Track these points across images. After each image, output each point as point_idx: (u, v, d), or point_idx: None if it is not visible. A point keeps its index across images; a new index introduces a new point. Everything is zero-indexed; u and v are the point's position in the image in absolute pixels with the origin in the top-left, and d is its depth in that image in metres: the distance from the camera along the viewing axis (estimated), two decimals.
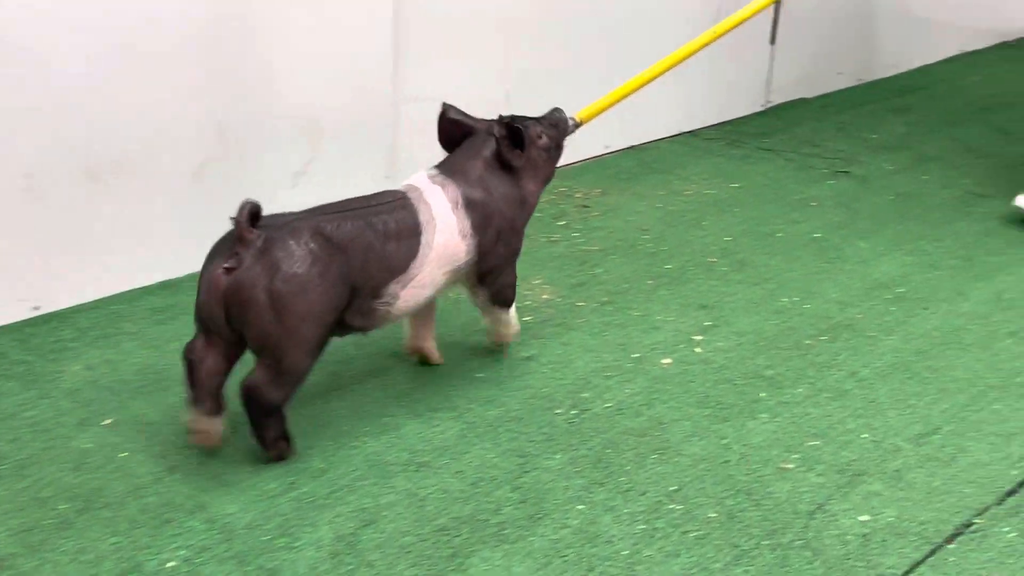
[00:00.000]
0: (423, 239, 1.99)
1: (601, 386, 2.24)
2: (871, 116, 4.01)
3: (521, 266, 2.26)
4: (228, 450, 1.99)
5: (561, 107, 2.31)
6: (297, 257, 1.83)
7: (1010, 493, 1.92)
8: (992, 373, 2.30)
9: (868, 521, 1.85)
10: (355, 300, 1.93)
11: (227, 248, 1.84)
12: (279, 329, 1.83)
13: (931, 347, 2.40)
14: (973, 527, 1.84)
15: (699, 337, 2.44)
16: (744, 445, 2.05)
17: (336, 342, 2.02)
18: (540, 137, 2.20)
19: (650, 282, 2.70)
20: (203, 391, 1.89)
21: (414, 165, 3.03)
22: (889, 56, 4.50)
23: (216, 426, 1.93)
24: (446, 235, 2.03)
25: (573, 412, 2.15)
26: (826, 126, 3.89)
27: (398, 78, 2.95)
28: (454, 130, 2.18)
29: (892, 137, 3.79)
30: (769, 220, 3.08)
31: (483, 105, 3.17)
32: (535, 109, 3.28)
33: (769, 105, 4.07)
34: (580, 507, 1.87)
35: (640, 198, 3.23)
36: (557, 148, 2.25)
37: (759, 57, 3.98)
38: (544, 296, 2.60)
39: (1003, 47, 5.08)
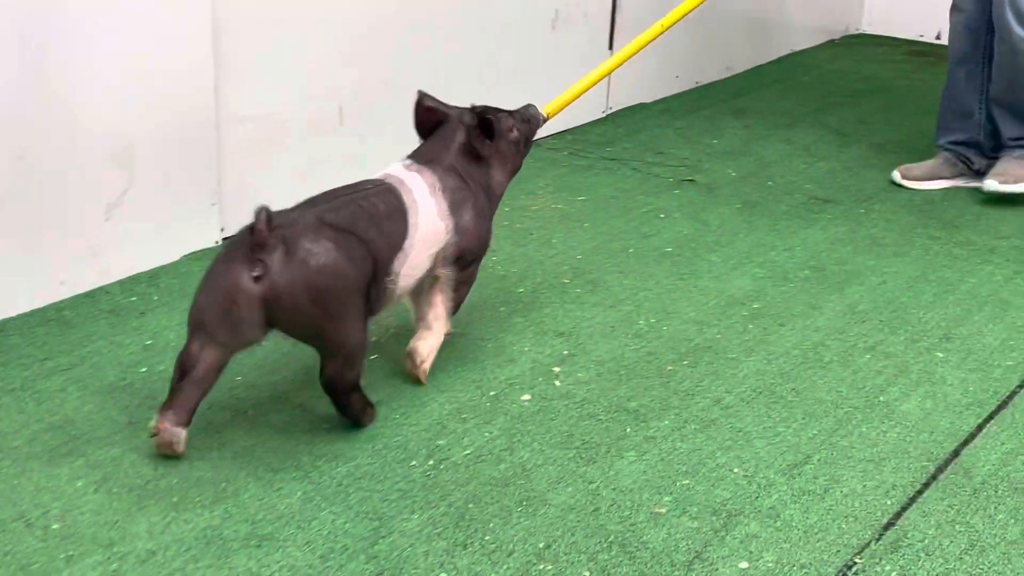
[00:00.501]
0: (410, 220, 2.06)
1: (458, 431, 2.08)
2: (710, 120, 3.98)
3: None
4: (36, 542, 1.75)
5: (534, 103, 2.40)
6: (322, 247, 1.88)
7: (888, 526, 1.86)
8: (855, 393, 2.25)
9: (747, 569, 1.75)
10: (376, 277, 1.99)
11: (243, 256, 1.85)
12: (329, 319, 1.90)
13: (792, 367, 2.34)
14: (855, 568, 1.76)
15: (558, 368, 2.31)
16: (613, 489, 1.93)
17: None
18: (512, 130, 2.29)
19: (502, 309, 2.56)
20: (183, 401, 1.91)
21: (243, 189, 2.84)
22: (722, 58, 4.49)
23: (181, 437, 1.93)
24: (428, 216, 2.10)
25: (430, 463, 1.99)
26: (667, 132, 3.83)
27: (220, 96, 2.72)
28: (429, 117, 2.25)
29: (733, 142, 3.75)
30: (619, 235, 2.98)
31: (315, 125, 3.00)
32: (370, 124, 3.13)
33: (610, 111, 3.99)
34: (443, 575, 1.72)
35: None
36: (527, 142, 2.35)
37: (598, 62, 3.88)
38: (391, 331, 2.43)
39: (830, 46, 5.15)
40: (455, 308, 2.26)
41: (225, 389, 2.15)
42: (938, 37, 5.26)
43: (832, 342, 2.45)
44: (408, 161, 2.19)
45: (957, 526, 1.86)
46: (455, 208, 2.16)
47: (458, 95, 3.44)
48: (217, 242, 2.79)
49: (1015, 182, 3.26)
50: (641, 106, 4.08)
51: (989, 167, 3.33)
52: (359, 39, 3.04)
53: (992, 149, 3.36)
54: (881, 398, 2.23)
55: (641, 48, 2.77)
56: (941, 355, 2.40)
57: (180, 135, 2.65)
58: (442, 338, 2.23)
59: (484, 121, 2.20)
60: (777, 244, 2.95)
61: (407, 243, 2.06)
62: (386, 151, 3.17)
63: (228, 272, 1.87)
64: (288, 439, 2.03)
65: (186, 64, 2.62)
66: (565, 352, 2.38)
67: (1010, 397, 2.24)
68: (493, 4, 3.39)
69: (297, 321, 1.90)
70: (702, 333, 2.47)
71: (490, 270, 2.73)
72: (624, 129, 3.85)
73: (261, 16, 2.78)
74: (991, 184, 3.25)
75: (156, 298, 2.54)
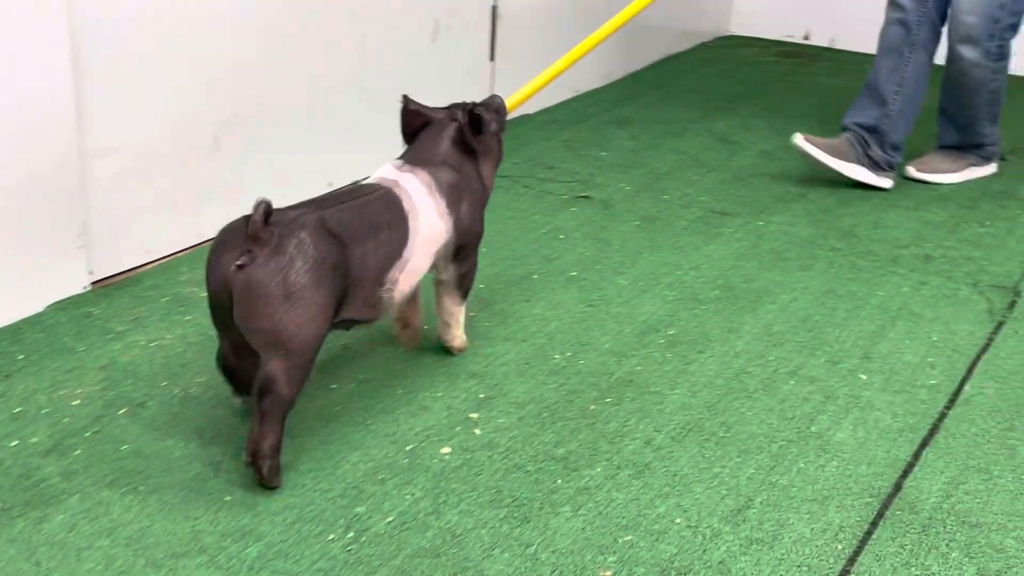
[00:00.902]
0: (410, 225, 2.08)
1: (377, 494, 1.91)
2: (596, 131, 3.88)
3: None
4: None
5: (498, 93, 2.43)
6: (309, 252, 1.86)
7: (843, 574, 1.77)
8: (785, 424, 2.16)
9: None
10: (360, 291, 1.98)
11: (233, 244, 1.85)
12: (292, 324, 1.84)
13: (718, 398, 2.24)
14: None
15: (476, 414, 2.15)
16: (552, 552, 1.79)
17: None
18: (491, 123, 2.32)
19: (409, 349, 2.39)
20: (241, 383, 1.99)
21: (112, 228, 2.59)
22: (600, 64, 4.40)
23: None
24: (428, 218, 2.12)
25: (350, 535, 1.81)
26: (555, 145, 3.72)
27: (83, 127, 2.47)
28: (414, 121, 2.28)
29: (622, 154, 3.66)
30: (521, 259, 2.84)
31: (188, 154, 2.77)
32: (248, 149, 2.91)
33: None
34: None
35: None
36: (502, 132, 2.38)
37: (480, 75, 3.74)
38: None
39: (703, 48, 5.13)
40: (464, 298, 2.32)
41: (111, 460, 1.93)
42: (806, 37, 5.30)
43: (754, 368, 2.36)
44: (399, 163, 2.20)
45: (912, 569, 1.78)
46: (452, 204, 2.19)
47: (339, 113, 3.27)
48: (85, 287, 2.54)
49: (931, 172, 3.47)
50: (525, 118, 3.95)
51: (884, 162, 3.39)
52: (230, 60, 2.82)
53: (891, 146, 3.40)
54: (813, 428, 2.15)
55: (599, 42, 2.88)
56: (864, 377, 2.34)
57: (39, 171, 2.39)
58: (463, 325, 2.35)
59: (475, 117, 2.25)
60: (682, 263, 2.86)
61: (407, 250, 2.07)
62: (266, 177, 2.98)
63: (218, 261, 1.87)
64: (187, 515, 1.83)
65: (42, 94, 2.36)
66: (481, 395, 2.22)
67: (940, 420, 2.19)
68: (370, 18, 3.21)
69: (258, 315, 1.84)
70: (621, 365, 2.35)
71: None
72: (511, 143, 3.69)
73: (124, 39, 2.53)
74: (910, 170, 3.47)
75: (21, 357, 2.28)
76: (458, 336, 2.34)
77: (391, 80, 3.33)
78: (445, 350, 2.35)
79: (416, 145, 2.25)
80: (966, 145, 3.51)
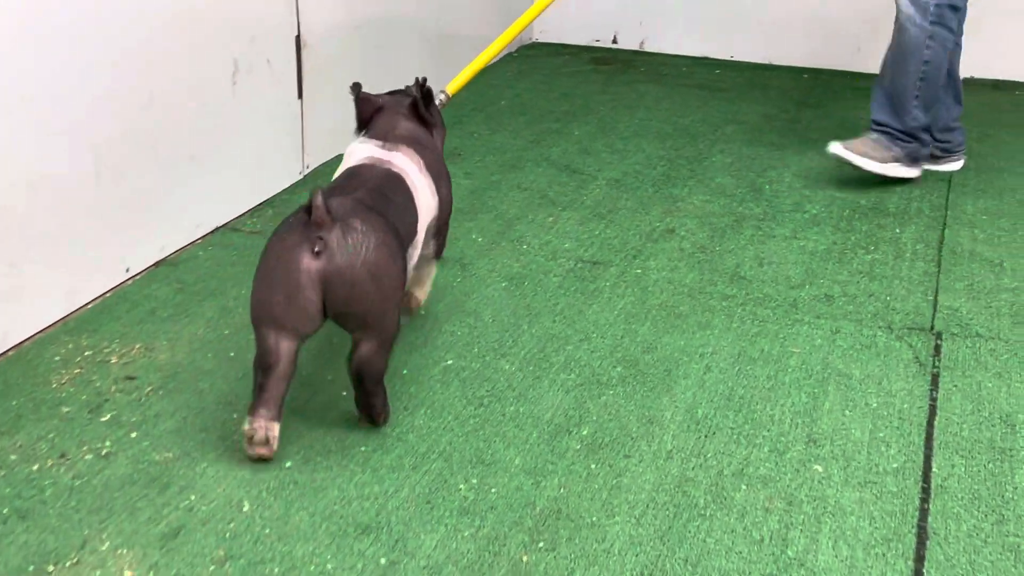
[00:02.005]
0: (416, 203, 2.14)
1: None
2: None
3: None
4: None
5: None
6: (376, 230, 1.91)
7: None
8: (756, 551, 1.78)
9: None
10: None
11: (299, 236, 1.86)
12: (381, 299, 1.92)
13: (668, 524, 1.85)
14: None
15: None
16: None
17: None
18: (439, 94, 2.50)
19: (267, 490, 1.88)
20: (273, 397, 1.91)
21: None
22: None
23: (276, 431, 1.93)
24: (424, 196, 2.19)
25: None
26: None
27: None
28: (366, 107, 2.32)
29: (461, 196, 3.22)
30: None
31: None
32: (12, 247, 2.30)
33: (308, 171, 3.33)
34: None
35: (204, 345, 2.36)
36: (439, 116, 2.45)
37: (288, 116, 3.21)
38: (128, 574, 1.69)
39: (511, 59, 4.75)
40: (438, 258, 2.43)
41: None
42: (615, 41, 5.01)
43: (694, 472, 1.99)
44: (378, 142, 2.21)
45: None
46: (437, 182, 2.27)
47: (129, 184, 2.68)
48: None
49: (857, 153, 3.31)
50: (340, 159, 3.45)
51: (938, 150, 3.42)
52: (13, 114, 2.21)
53: (940, 129, 3.40)
54: (790, 552, 1.79)
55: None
56: (820, 468, 2.01)
57: None
58: (429, 286, 2.44)
59: (427, 91, 2.33)
60: (569, 334, 2.46)
61: (417, 225, 2.14)
62: (39, 272, 2.38)
63: (288, 254, 1.87)
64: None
65: None
66: (383, 560, 1.75)
67: (922, 519, 1.88)
68: (159, 70, 2.63)
69: (353, 297, 1.89)
70: (541, 489, 1.92)
71: (237, 429, 2.03)
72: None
73: None
74: (835, 146, 3.32)
75: None
76: (422, 294, 2.42)
77: (187, 138, 2.77)
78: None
79: (379, 124, 2.28)
80: (894, 133, 3.30)
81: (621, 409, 2.17)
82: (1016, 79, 4.53)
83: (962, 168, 3.52)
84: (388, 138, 2.22)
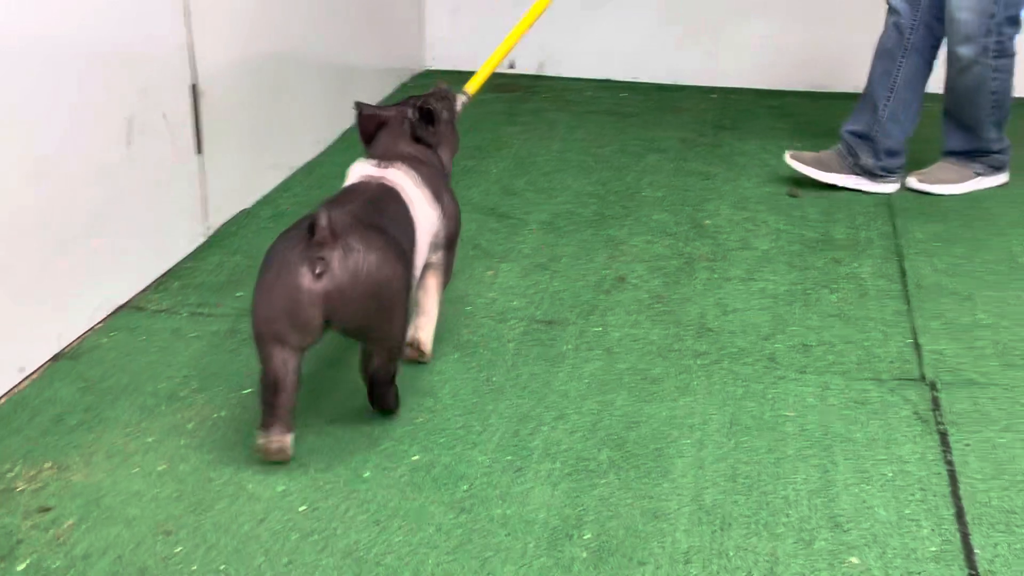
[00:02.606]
0: (412, 215, 2.16)
1: None
2: None
3: None
4: None
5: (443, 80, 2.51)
6: (374, 246, 1.93)
7: None
8: None
9: None
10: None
11: (300, 256, 1.89)
12: (384, 312, 1.97)
13: None
14: None
15: None
16: None
17: None
18: (442, 112, 2.40)
19: None
20: (283, 412, 1.95)
21: None
22: (308, 132, 3.62)
23: (289, 441, 1.97)
24: (422, 208, 2.21)
25: None
26: None
27: None
28: (369, 124, 2.35)
29: None
30: (341, 444, 2.06)
31: None
32: None
33: (212, 232, 2.99)
34: None
35: (126, 459, 2.02)
36: (455, 118, 2.48)
37: (188, 173, 2.87)
38: None
39: (405, 91, 4.47)
40: (445, 285, 2.39)
41: None
42: (512, 66, 4.77)
43: None
44: (374, 161, 2.25)
45: None
46: (437, 195, 2.27)
47: (18, 274, 2.32)
48: None
49: (933, 183, 3.34)
50: (246, 215, 3.12)
51: (878, 169, 3.36)
52: None
53: (886, 152, 3.35)
54: None
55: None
56: (856, 561, 1.79)
57: None
58: (436, 317, 2.37)
59: (426, 111, 2.33)
60: (541, 412, 2.20)
61: (417, 236, 2.16)
62: None
63: (289, 273, 1.89)
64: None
65: None
66: None
67: None
68: (42, 140, 2.27)
69: (355, 315, 1.94)
70: None
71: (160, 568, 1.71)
72: (242, 256, 2.88)
73: None
74: (911, 182, 3.37)
75: None
76: (429, 340, 2.35)
77: (80, 209, 2.41)
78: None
79: (379, 143, 2.32)
80: (972, 152, 3.35)
81: (621, 503, 1.93)
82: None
83: (898, 189, 3.41)
84: (385, 157, 2.26)
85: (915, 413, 2.21)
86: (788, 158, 3.41)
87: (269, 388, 1.93)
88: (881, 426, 2.17)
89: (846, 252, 2.97)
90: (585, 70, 4.70)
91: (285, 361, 1.92)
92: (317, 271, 1.87)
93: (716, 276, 2.82)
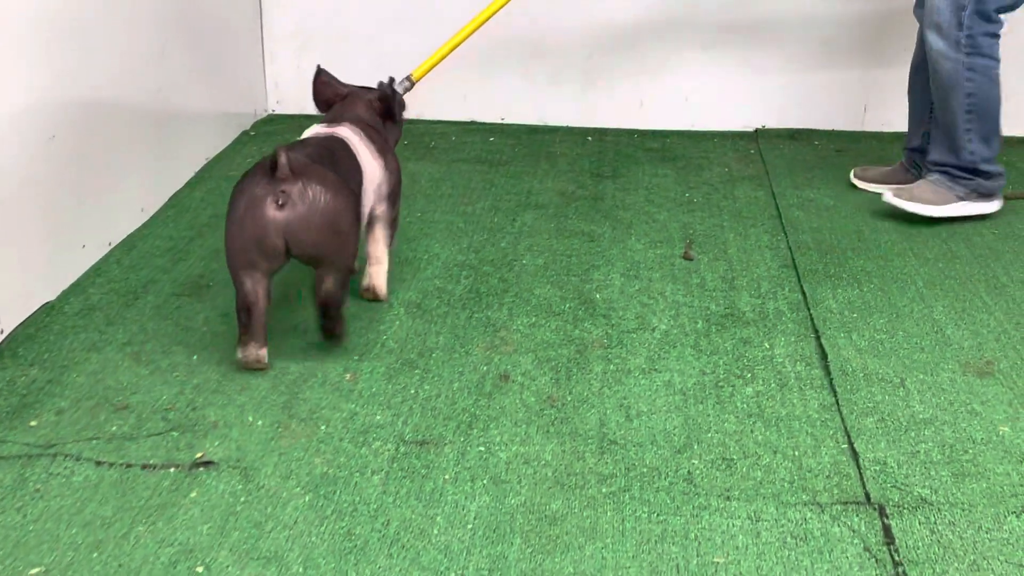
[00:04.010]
0: (360, 162, 2.46)
1: None
2: (161, 313, 2.61)
3: None
4: None
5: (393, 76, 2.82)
6: (330, 182, 2.22)
7: None
8: None
9: None
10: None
11: (264, 190, 2.17)
12: (338, 241, 2.25)
13: None
14: None
15: None
16: None
17: None
18: (400, 105, 2.81)
19: None
20: (257, 328, 2.27)
21: None
22: (126, 194, 3.10)
23: (265, 353, 2.31)
24: (367, 159, 2.50)
25: None
26: (113, 358, 2.41)
27: None
28: (325, 90, 2.71)
29: (215, 355, 2.44)
30: None
31: None
32: None
33: (3, 337, 2.45)
34: None
35: None
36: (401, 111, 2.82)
37: None
38: None
39: (247, 140, 3.96)
40: (392, 238, 2.67)
41: None
42: None
43: None
44: (325, 124, 2.54)
45: None
46: (381, 152, 2.57)
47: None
48: None
49: (909, 200, 3.17)
50: (48, 311, 2.59)
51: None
52: None
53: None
54: None
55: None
56: None
57: None
58: (388, 267, 2.68)
59: (391, 88, 2.71)
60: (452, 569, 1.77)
61: (365, 181, 2.45)
62: None
63: (255, 205, 2.17)
64: None
65: None
66: None
67: None
68: None
69: (313, 242, 2.21)
70: None
71: None
72: (40, 368, 2.35)
73: None
74: (887, 196, 3.22)
75: None
76: (383, 284, 2.66)
77: None
78: None
79: (335, 111, 2.63)
80: (955, 169, 3.16)
81: None
82: (813, 127, 4.20)
83: (800, 245, 3.09)
84: (335, 120, 2.57)
85: (865, 549, 1.85)
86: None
87: (243, 310, 2.25)
88: (828, 571, 1.80)
89: (755, 329, 2.61)
90: (447, 111, 4.27)
91: (255, 285, 2.22)
92: (280, 203, 2.17)
93: (613, 367, 2.43)
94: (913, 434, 2.18)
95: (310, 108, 4.42)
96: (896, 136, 4.09)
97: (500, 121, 4.25)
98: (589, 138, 4.10)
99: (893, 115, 4.12)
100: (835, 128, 4.17)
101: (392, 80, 2.73)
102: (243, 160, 3.73)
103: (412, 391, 2.32)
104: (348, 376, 2.36)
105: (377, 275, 2.64)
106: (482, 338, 2.55)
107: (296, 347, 2.48)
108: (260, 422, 2.18)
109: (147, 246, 3.00)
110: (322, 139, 2.40)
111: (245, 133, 4.03)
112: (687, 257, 3.01)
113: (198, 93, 3.58)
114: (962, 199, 3.19)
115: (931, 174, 3.22)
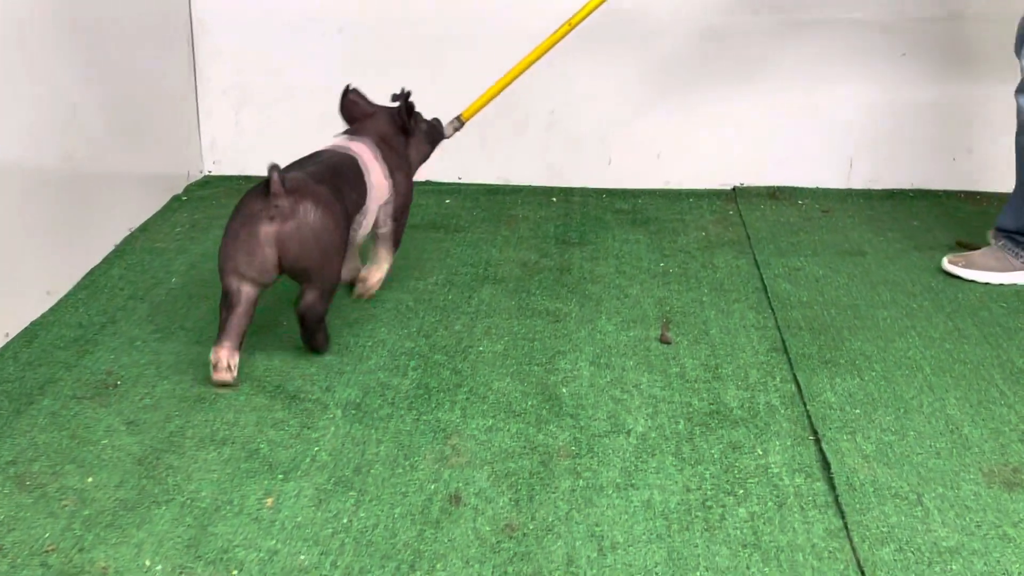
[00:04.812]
0: (367, 179, 2.60)
1: None
2: (69, 430, 2.24)
3: None
4: None
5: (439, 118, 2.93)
6: (320, 200, 2.35)
7: None
8: None
9: None
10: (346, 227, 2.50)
11: (260, 206, 2.32)
12: (322, 256, 2.37)
13: None
14: None
15: None
16: None
17: None
18: (421, 122, 2.87)
19: None
20: (234, 329, 2.35)
21: None
22: (30, 274, 2.73)
23: (236, 359, 2.37)
24: (377, 177, 2.64)
25: None
26: (0, 485, 2.04)
27: None
28: (353, 109, 2.80)
29: (118, 468, 2.07)
30: None
31: None
32: None
33: None
34: None
35: None
36: (433, 141, 2.92)
37: None
38: None
39: (178, 207, 3.60)
40: (394, 250, 2.85)
41: None
42: None
43: None
44: (345, 136, 2.70)
45: None
46: (392, 171, 2.70)
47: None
48: None
49: (966, 267, 3.02)
50: None
51: None
52: None
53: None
54: None
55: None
56: None
57: None
58: (387, 271, 2.87)
59: (409, 103, 2.76)
60: None
61: (368, 199, 2.59)
62: None
63: (250, 218, 2.33)
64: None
65: None
66: None
67: None
68: None
69: (299, 256, 2.34)
70: None
71: None
72: None
73: None
74: (944, 263, 3.08)
75: None
76: (377, 281, 2.85)
77: None
78: None
79: (358, 127, 2.76)
80: (1016, 233, 2.99)
81: None
82: (796, 184, 3.89)
83: (790, 324, 2.76)
84: (358, 133, 2.71)
85: None
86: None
87: (223, 308, 2.35)
88: None
89: (746, 430, 2.27)
90: None
91: (240, 288, 2.34)
92: (271, 216, 2.31)
93: (583, 483, 2.08)
94: (939, 569, 1.84)
95: (251, 168, 4.11)
96: (887, 194, 3.80)
97: (457, 181, 3.92)
98: (554, 199, 3.78)
99: (882, 171, 3.82)
100: (819, 185, 3.87)
101: (408, 93, 2.75)
102: (172, 229, 3.38)
103: (345, 520, 1.95)
104: (268, 502, 2.00)
105: (373, 273, 2.83)
106: (430, 447, 2.19)
107: (213, 462, 2.11)
108: (159, 567, 1.81)
109: (50, 336, 2.63)
110: (331, 155, 2.55)
111: (176, 198, 3.67)
112: (664, 340, 2.68)
113: (119, 156, 3.22)
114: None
115: (997, 241, 3.05)
